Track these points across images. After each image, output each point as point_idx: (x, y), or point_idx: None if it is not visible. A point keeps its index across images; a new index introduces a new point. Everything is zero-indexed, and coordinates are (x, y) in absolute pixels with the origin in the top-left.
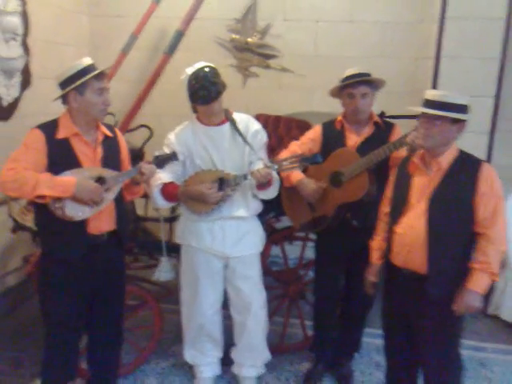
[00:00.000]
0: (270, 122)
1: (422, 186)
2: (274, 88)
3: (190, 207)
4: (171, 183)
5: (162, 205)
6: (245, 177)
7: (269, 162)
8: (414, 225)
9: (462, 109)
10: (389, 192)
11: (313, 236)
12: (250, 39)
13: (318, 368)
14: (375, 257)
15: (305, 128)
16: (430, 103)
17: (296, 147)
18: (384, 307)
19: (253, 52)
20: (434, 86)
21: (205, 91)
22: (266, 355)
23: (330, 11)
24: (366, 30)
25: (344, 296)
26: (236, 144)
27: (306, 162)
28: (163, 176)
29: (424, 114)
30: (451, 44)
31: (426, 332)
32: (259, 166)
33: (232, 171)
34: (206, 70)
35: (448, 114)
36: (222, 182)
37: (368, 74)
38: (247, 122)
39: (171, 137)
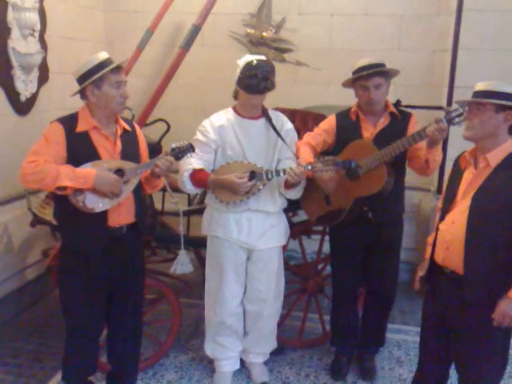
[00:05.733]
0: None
1: (468, 183)
2: (290, 82)
3: (218, 196)
4: (201, 170)
5: (190, 190)
6: (277, 173)
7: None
8: (455, 221)
9: (507, 97)
10: (444, 187)
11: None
12: (265, 33)
13: (343, 360)
14: (427, 252)
15: (321, 121)
16: (474, 94)
17: (310, 138)
18: (423, 304)
19: (268, 46)
20: (452, 79)
21: (255, 81)
22: (274, 343)
23: (345, 4)
24: (382, 23)
25: (365, 290)
26: (269, 140)
27: (339, 166)
28: (194, 162)
29: (470, 106)
30: (468, 36)
31: (461, 339)
32: (290, 164)
33: (261, 166)
34: (267, 64)
35: (480, 100)
36: (254, 176)
37: (381, 64)
38: (282, 120)
39: (206, 124)
